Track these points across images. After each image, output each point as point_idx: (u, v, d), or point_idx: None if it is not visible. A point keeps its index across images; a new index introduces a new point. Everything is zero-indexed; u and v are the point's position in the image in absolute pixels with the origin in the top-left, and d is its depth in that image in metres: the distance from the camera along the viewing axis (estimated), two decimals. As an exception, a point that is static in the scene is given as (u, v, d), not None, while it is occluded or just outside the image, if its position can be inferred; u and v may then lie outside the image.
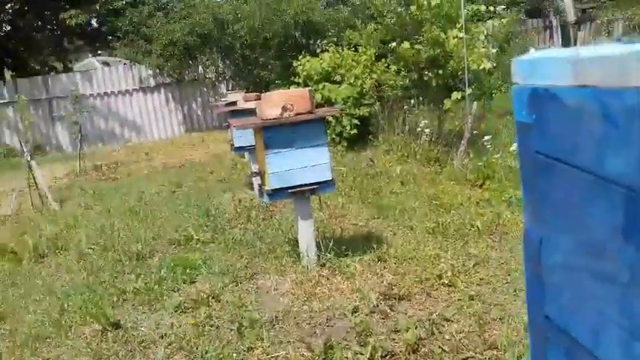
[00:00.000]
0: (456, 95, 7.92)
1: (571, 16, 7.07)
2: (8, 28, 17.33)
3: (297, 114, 3.69)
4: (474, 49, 7.94)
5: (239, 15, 12.14)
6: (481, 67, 7.74)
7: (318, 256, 3.82)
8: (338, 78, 9.16)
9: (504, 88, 9.37)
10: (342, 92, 8.89)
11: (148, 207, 6.28)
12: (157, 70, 13.38)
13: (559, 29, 15.69)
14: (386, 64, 9.17)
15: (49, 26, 17.16)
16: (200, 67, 13.68)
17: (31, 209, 6.97)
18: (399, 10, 8.71)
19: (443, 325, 2.87)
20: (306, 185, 3.76)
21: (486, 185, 5.58)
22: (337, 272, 3.65)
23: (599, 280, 0.78)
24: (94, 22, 16.56)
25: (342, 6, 13.81)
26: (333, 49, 9.66)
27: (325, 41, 11.46)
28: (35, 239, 5.24)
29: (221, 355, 2.79)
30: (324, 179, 3.79)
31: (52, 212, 6.70)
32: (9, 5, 16.76)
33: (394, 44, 8.78)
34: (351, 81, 9.05)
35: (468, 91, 7.78)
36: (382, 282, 3.45)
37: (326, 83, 9.13)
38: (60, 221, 6.05)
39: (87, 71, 15.54)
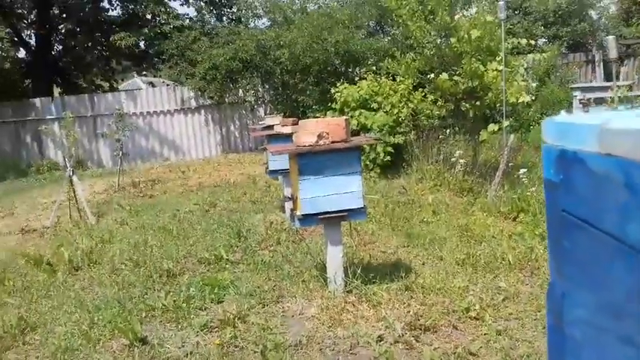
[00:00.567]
0: (492, 127, 7.87)
1: (613, 54, 6.97)
2: (60, 47, 18.07)
3: (333, 142, 3.74)
4: (513, 82, 7.90)
5: (281, 42, 12.38)
6: (520, 101, 7.68)
7: (346, 282, 3.81)
8: (374, 105, 9.21)
9: (542, 121, 9.26)
10: (378, 120, 8.93)
11: (182, 225, 6.39)
12: (199, 92, 13.71)
13: (601, 63, 15.45)
14: (423, 94, 9.18)
15: (98, 47, 17.83)
16: (240, 91, 13.95)
17: (70, 222, 7.17)
18: (439, 41, 8.75)
19: (468, 360, 2.82)
20: (337, 212, 3.78)
21: (520, 218, 5.49)
22: (364, 299, 3.63)
23: (619, 340, 0.78)
24: (141, 44, 17.14)
25: (381, 35, 13.95)
26: (371, 77, 9.74)
27: (364, 69, 11.56)
28: (71, 252, 5.38)
29: (243, 377, 2.80)
30: (356, 207, 3.81)
31: (89, 226, 6.88)
32: (62, 26, 17.51)
33: (432, 75, 8.80)
34: (388, 109, 9.08)
35: (506, 123, 7.72)
36: (409, 312, 3.42)
37: (362, 110, 9.19)
38: (96, 235, 6.20)
39: (132, 91, 16.05)
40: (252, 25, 15.16)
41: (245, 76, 13.31)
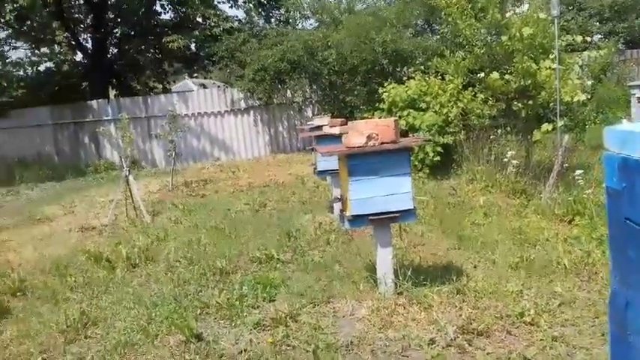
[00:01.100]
0: (546, 127, 7.68)
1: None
2: (115, 50, 18.69)
3: (382, 143, 3.75)
4: (568, 81, 7.69)
5: (328, 42, 12.43)
6: (575, 99, 7.47)
7: (396, 284, 3.81)
8: (423, 105, 9.14)
9: (599, 120, 8.98)
10: (426, 119, 8.86)
11: (233, 224, 6.52)
12: (248, 94, 13.92)
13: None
14: (473, 93, 9.05)
15: (151, 50, 18.35)
16: (288, 92, 14.08)
17: (126, 220, 7.43)
18: (489, 39, 8.60)
19: (523, 365, 2.78)
20: (387, 213, 3.79)
21: (576, 221, 5.34)
22: (414, 302, 3.62)
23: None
24: (192, 46, 17.54)
25: (430, 34, 13.80)
26: (419, 77, 9.66)
27: (412, 69, 11.48)
28: (128, 249, 5.58)
29: (296, 375, 2.85)
30: (406, 208, 3.81)
31: (145, 224, 7.11)
32: (117, 30, 18.11)
33: (483, 74, 8.66)
34: (437, 109, 8.99)
35: (560, 122, 7.52)
36: (461, 315, 3.39)
37: (411, 110, 9.13)
38: (151, 233, 6.40)
39: (184, 92, 16.45)
40: (299, 26, 15.29)
41: (293, 77, 13.43)
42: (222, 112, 14.78)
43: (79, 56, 18.57)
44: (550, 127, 7.64)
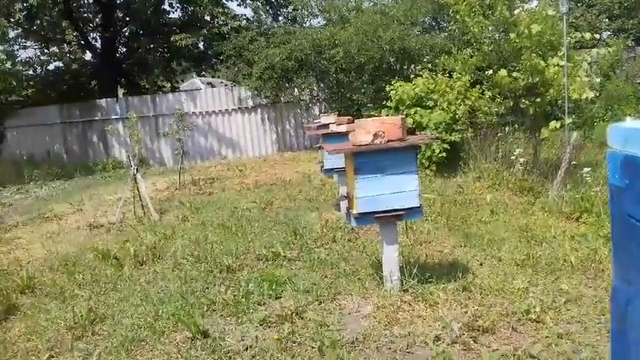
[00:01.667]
0: (554, 124, 7.65)
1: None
2: (124, 49, 18.78)
3: (389, 141, 3.75)
4: (576, 78, 7.65)
5: (336, 41, 12.43)
6: (583, 97, 7.44)
7: (402, 281, 3.82)
8: (430, 103, 9.12)
9: (607, 117, 8.92)
10: (434, 117, 8.84)
11: (240, 222, 6.54)
12: (255, 92, 13.94)
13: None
14: (481, 91, 9.02)
15: (160, 48, 18.41)
16: (295, 90, 14.09)
17: (134, 218, 7.47)
18: (497, 37, 8.57)
19: (528, 362, 2.77)
20: (393, 211, 3.79)
21: (583, 219, 5.33)
22: (420, 299, 3.62)
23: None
24: (200, 45, 17.59)
25: (437, 32, 13.76)
26: (427, 75, 9.64)
27: (419, 67, 11.46)
28: (136, 247, 5.62)
29: (301, 372, 2.86)
30: (412, 205, 3.81)
31: (153, 222, 7.15)
32: (126, 28, 18.19)
33: (490, 71, 8.63)
34: (444, 106, 8.97)
35: (568, 120, 7.48)
36: (466, 312, 3.39)
37: (418, 108, 9.12)
38: (159, 231, 6.43)
39: (191, 91, 16.50)
40: (307, 24, 15.28)
41: (300, 75, 13.43)
42: (229, 111, 14.82)
43: (88, 55, 18.69)
44: (558, 124, 7.61)
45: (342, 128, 6.01)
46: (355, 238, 5.39)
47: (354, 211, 3.83)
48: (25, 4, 14.55)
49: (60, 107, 15.23)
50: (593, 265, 4.07)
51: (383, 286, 3.85)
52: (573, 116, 7.78)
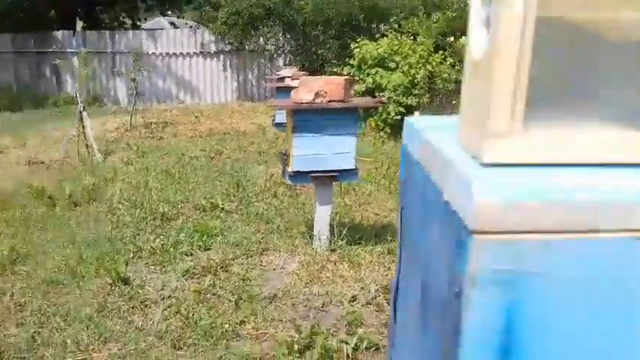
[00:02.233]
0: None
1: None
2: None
3: (331, 101, 3.70)
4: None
5: (305, -9, 12.12)
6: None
7: (331, 240, 3.84)
8: (392, 65, 9.04)
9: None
10: (393, 79, 8.78)
11: (184, 170, 6.44)
12: (219, 37, 13.55)
13: None
14: (443, 57, 8.98)
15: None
16: (261, 39, 13.76)
17: (77, 158, 7.27)
18: (462, 4, 8.49)
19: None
20: (328, 172, 3.77)
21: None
22: (345, 260, 3.66)
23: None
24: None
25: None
26: (392, 36, 9.52)
27: (387, 26, 11.30)
28: (72, 187, 5.48)
29: (213, 325, 2.87)
30: (348, 167, 3.80)
31: (95, 163, 6.97)
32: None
33: (453, 38, 8.59)
34: (405, 69, 8.91)
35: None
36: (387, 275, 3.44)
37: (379, 69, 9.03)
38: (99, 173, 6.29)
39: (152, 30, 15.92)
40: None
41: (267, 24, 13.10)
42: (190, 54, 14.39)
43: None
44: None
45: (295, 83, 5.91)
46: (297, 195, 5.38)
47: (290, 169, 3.79)
48: None
49: (13, 36, 14.52)
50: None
51: (312, 245, 3.87)
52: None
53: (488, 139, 0.64)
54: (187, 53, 14.36)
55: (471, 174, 0.62)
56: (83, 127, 7.44)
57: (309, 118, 3.71)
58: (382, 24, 12.07)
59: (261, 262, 3.77)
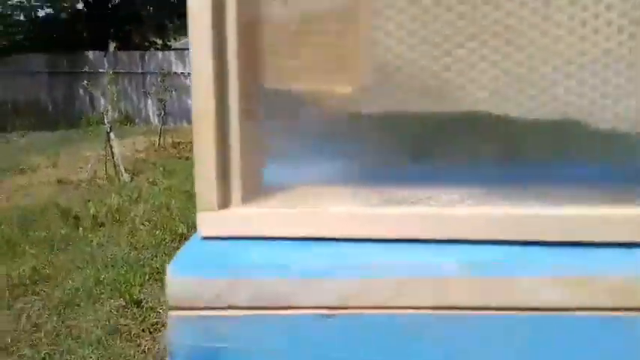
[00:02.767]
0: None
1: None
2: (117, 1, 18.45)
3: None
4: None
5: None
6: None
7: None
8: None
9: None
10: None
11: (206, 190, 6.52)
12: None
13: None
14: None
15: (154, 3, 18.08)
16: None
17: (105, 178, 7.45)
18: None
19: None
20: None
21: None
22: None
23: None
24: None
25: None
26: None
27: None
28: (98, 208, 5.62)
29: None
30: None
31: (122, 183, 7.13)
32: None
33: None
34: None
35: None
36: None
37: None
38: (125, 193, 6.43)
39: (182, 50, 16.28)
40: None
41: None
42: (219, 74, 14.65)
43: (80, 5, 18.36)
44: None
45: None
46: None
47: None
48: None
49: (47, 56, 15.03)
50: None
51: None
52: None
53: (201, 212, 0.65)
54: (215, 72, 14.62)
55: (183, 248, 0.64)
56: (111, 147, 7.63)
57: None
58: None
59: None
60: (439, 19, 0.61)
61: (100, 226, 5.30)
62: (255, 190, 0.68)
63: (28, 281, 3.87)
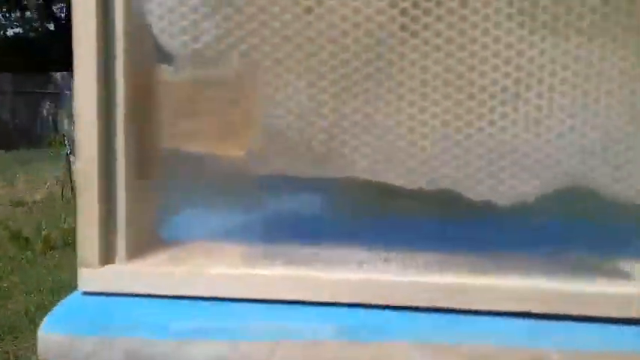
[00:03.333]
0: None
1: None
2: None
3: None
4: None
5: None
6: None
7: None
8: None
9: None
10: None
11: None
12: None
13: None
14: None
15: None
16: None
17: (61, 200, 7.30)
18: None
19: None
20: None
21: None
22: None
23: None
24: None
25: None
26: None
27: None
28: (49, 230, 5.49)
29: None
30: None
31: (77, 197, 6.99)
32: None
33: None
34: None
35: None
36: None
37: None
38: (80, 216, 6.29)
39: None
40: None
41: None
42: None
43: (52, 26, 18.24)
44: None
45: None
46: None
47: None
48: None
49: (13, 75, 14.80)
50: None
51: None
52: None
53: (81, 267, 0.67)
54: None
55: (62, 302, 0.65)
56: (70, 169, 7.51)
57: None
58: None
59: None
60: (326, 92, 0.64)
61: (51, 249, 5.17)
62: (143, 246, 0.69)
63: (-32, 305, 3.75)
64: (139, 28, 0.65)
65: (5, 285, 4.21)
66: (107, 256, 0.65)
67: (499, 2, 0.61)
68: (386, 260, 0.68)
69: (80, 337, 0.60)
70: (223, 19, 0.63)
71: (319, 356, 0.60)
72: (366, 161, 0.65)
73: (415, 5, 0.61)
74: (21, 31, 17.65)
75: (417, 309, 0.63)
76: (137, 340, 0.61)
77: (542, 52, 0.60)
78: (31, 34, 17.50)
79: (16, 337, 3.34)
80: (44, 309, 3.65)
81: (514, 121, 0.63)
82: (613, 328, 0.61)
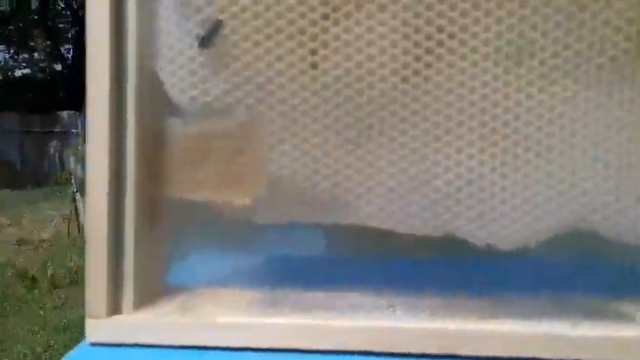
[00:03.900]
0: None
1: None
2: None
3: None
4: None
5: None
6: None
7: None
8: None
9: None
10: None
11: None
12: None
13: None
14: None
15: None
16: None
17: (68, 238, 7.31)
18: None
19: None
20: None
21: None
22: None
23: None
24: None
25: None
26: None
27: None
28: (55, 269, 5.49)
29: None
30: None
31: (84, 245, 6.99)
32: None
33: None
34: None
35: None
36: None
37: None
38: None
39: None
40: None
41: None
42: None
43: (59, 66, 18.57)
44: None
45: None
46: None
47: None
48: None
49: (20, 115, 15.00)
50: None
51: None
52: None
53: (88, 318, 0.67)
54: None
55: (69, 354, 0.66)
56: (76, 207, 7.55)
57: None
58: None
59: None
60: (329, 142, 0.66)
61: (57, 288, 5.17)
62: (150, 296, 0.70)
63: (-26, 346, 3.73)
64: (150, 84, 0.68)
65: (11, 324, 4.19)
66: (114, 307, 0.66)
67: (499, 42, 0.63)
68: (391, 306, 0.69)
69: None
70: (232, 74, 0.65)
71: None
72: (371, 208, 0.67)
73: (417, 59, 0.63)
74: (29, 71, 17.98)
75: (423, 356, 0.63)
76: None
77: (540, 102, 0.62)
78: (39, 75, 17.81)
79: (22, 380, 3.32)
80: (50, 349, 3.64)
81: (516, 168, 0.64)
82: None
